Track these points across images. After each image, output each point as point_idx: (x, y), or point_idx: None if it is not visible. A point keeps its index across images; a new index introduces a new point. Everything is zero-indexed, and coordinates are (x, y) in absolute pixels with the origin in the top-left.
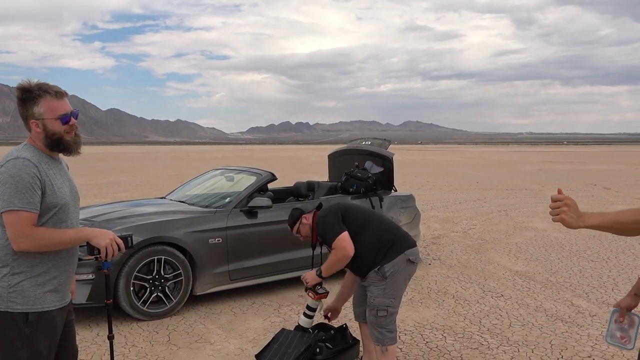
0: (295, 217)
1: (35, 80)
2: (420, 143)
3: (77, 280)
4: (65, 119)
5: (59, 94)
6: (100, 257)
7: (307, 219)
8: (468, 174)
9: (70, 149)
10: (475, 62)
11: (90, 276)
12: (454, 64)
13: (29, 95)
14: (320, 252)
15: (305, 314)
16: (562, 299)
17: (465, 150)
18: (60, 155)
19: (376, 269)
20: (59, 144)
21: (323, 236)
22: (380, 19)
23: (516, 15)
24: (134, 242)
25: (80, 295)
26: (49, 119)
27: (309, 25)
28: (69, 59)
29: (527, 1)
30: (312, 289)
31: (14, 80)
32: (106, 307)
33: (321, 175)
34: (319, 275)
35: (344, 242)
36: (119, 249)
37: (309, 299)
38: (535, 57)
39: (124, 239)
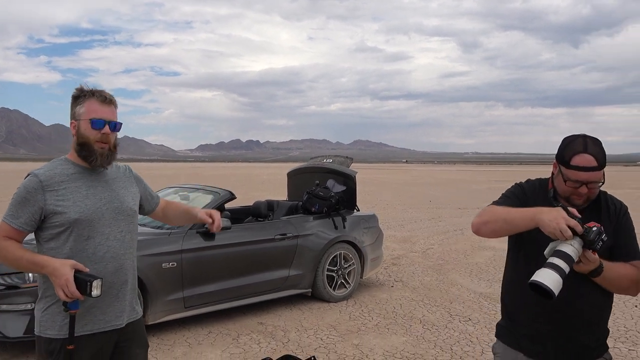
0: None
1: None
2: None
3: (13, 311)
4: (96, 124)
5: (105, 99)
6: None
7: None
8: (420, 193)
9: (94, 159)
10: (423, 83)
11: (28, 306)
12: (402, 85)
13: (78, 96)
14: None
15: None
16: None
17: (414, 169)
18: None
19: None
20: (84, 150)
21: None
22: (332, 39)
23: (462, 38)
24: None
25: (17, 328)
26: (84, 119)
27: (261, 44)
28: (13, 72)
29: (473, 25)
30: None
31: None
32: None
33: (273, 193)
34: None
35: None
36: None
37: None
38: (480, 80)
39: (83, 281)
